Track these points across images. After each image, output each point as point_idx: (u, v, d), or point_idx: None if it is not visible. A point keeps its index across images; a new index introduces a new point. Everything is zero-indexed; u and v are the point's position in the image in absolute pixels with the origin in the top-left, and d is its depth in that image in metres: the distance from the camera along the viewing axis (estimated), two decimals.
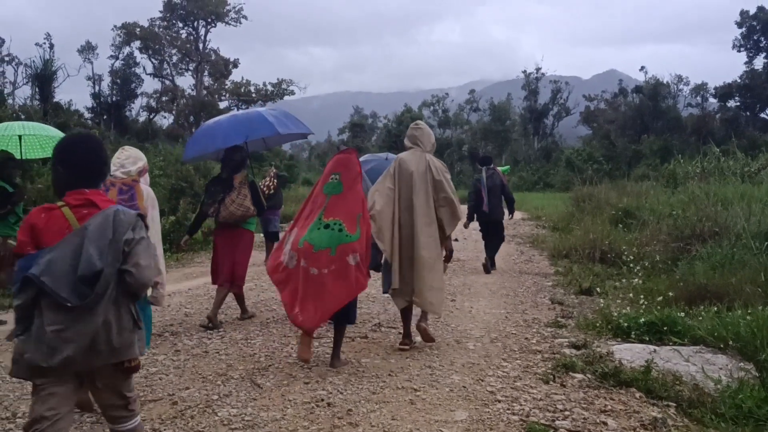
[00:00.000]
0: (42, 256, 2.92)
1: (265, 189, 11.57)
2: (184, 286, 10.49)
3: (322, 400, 4.81)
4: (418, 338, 6.54)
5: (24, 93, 47.52)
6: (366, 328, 7.21)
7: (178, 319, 7.87)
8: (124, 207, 3.17)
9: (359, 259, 5.39)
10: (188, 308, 8.57)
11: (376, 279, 6.81)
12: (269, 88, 51.89)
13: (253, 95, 51.97)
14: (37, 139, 9.16)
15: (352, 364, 5.75)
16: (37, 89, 37.07)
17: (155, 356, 6.12)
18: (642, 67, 62.55)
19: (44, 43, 46.36)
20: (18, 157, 8.28)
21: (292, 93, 53.11)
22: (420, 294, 6.10)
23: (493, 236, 11.68)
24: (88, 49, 51.51)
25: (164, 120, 54.46)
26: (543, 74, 65.97)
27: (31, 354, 2.91)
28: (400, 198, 6.14)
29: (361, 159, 6.80)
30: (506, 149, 64.89)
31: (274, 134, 7.77)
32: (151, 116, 53.10)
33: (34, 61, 38.38)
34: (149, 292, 4.68)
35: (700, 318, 6.64)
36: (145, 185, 5.09)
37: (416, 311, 6.45)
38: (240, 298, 7.87)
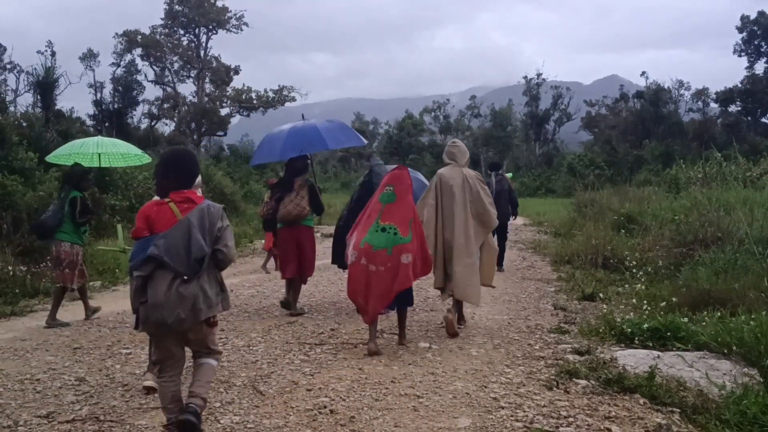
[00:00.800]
0: (157, 240, 3.90)
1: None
2: None
3: (325, 407, 4.79)
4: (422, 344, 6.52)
5: (26, 100, 47.61)
6: (368, 334, 7.18)
7: None
8: (211, 202, 4.16)
9: (411, 258, 6.27)
10: None
11: None
12: (271, 94, 51.95)
13: (255, 102, 52.03)
14: (112, 157, 9.79)
15: (354, 371, 5.73)
16: (38, 97, 37.08)
17: None
18: (643, 73, 62.46)
19: (46, 51, 46.41)
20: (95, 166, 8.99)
21: (294, 100, 53.20)
22: (462, 290, 7.09)
23: (500, 238, 12.12)
24: (89, 57, 51.60)
25: (166, 127, 54.58)
26: (544, 80, 66.00)
27: (154, 316, 3.88)
28: (442, 208, 7.15)
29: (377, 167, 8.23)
30: (507, 155, 64.90)
31: (325, 149, 8.75)
32: (153, 123, 53.21)
33: (35, 69, 38.40)
34: None
35: (704, 323, 6.62)
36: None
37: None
38: (297, 291, 8.61)
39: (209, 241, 3.97)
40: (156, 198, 4.30)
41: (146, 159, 9.88)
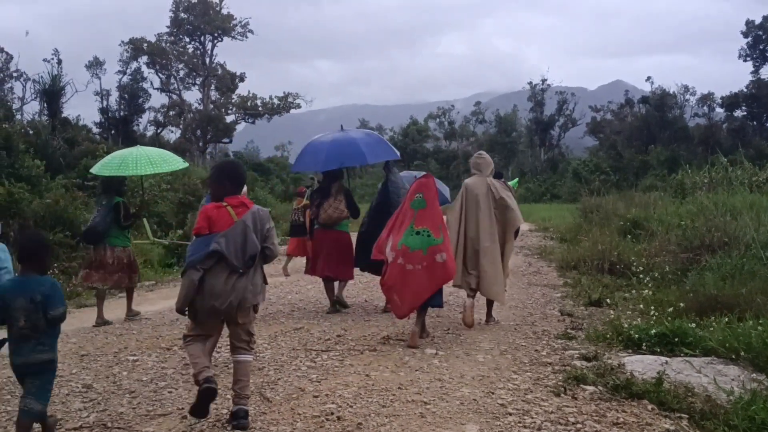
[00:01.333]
0: (218, 237, 4.49)
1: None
2: None
3: (332, 413, 4.78)
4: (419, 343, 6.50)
5: (32, 108, 47.77)
6: (375, 341, 7.18)
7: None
8: (259, 206, 4.77)
9: (445, 257, 6.87)
10: None
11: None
12: (276, 101, 52.08)
13: (260, 109, 52.18)
14: (154, 164, 9.79)
15: (361, 378, 5.73)
16: (45, 105, 37.23)
17: (164, 370, 6.12)
18: (648, 78, 62.47)
19: (52, 59, 46.57)
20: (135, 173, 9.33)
21: (299, 106, 53.35)
22: (488, 288, 7.77)
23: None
24: (95, 65, 51.80)
25: (171, 134, 54.73)
26: (549, 85, 66.02)
27: (209, 303, 4.50)
28: (467, 214, 7.82)
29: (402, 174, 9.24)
30: (513, 161, 64.91)
31: (364, 164, 9.62)
32: (159, 130, 53.36)
33: (42, 77, 38.58)
34: None
35: (711, 329, 6.60)
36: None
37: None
38: (341, 288, 9.28)
39: (260, 239, 4.62)
40: (204, 202, 5.12)
41: (185, 164, 10.23)
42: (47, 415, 4.28)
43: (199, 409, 4.51)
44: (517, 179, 16.12)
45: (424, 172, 8.04)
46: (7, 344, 4.19)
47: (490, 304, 8.19)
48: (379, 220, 8.08)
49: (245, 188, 5.25)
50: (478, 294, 7.89)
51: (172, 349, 6.95)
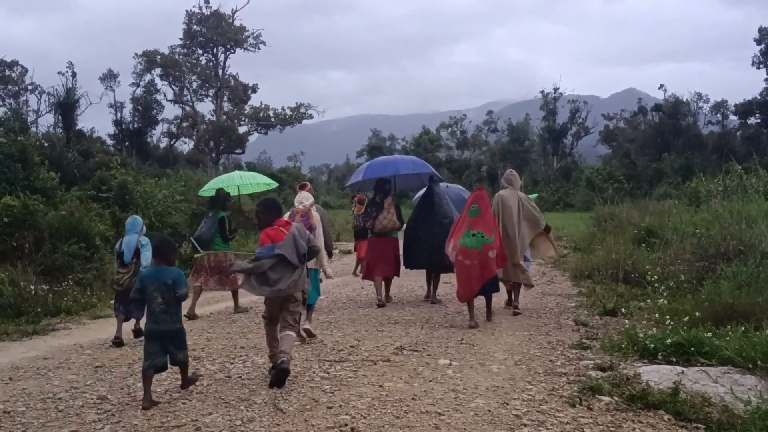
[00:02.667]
0: (278, 246, 6.10)
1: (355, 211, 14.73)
2: (206, 310, 10.52)
3: (346, 425, 4.77)
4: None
5: (47, 121, 48.14)
6: (388, 351, 7.16)
7: (200, 343, 7.87)
8: (299, 224, 6.62)
9: (496, 254, 8.56)
10: (210, 333, 8.58)
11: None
12: (288, 112, 52.26)
13: (272, 120, 52.37)
14: (250, 186, 11.91)
15: (375, 388, 5.71)
16: (60, 117, 37.49)
17: (178, 381, 6.12)
18: (661, 86, 62.33)
19: (67, 72, 46.99)
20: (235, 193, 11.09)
21: (311, 117, 53.51)
22: (518, 276, 9.54)
23: None
24: (109, 77, 52.17)
25: (185, 145, 55.02)
26: (561, 94, 65.89)
27: (276, 287, 6.09)
28: (504, 220, 9.47)
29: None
30: (525, 169, 64.75)
31: (411, 172, 11.57)
32: (172, 142, 53.66)
33: (56, 90, 38.86)
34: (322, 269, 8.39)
35: (728, 338, 6.54)
36: (314, 210, 8.25)
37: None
38: (387, 288, 10.97)
39: (305, 244, 6.25)
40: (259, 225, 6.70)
41: (275, 184, 12.22)
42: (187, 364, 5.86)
43: (278, 382, 5.85)
44: (536, 195, 16.54)
45: (457, 185, 11.24)
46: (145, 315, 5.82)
47: (517, 294, 9.86)
48: (421, 224, 10.45)
49: (312, 200, 8.27)
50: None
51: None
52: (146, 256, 7.88)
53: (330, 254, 9.18)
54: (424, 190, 11.32)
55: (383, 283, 10.73)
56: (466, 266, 8.55)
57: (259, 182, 11.71)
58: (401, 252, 10.84)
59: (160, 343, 5.60)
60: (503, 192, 9.71)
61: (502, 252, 8.74)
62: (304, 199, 8.29)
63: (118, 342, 7.97)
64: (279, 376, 5.83)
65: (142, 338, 6.45)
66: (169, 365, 5.69)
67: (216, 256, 10.16)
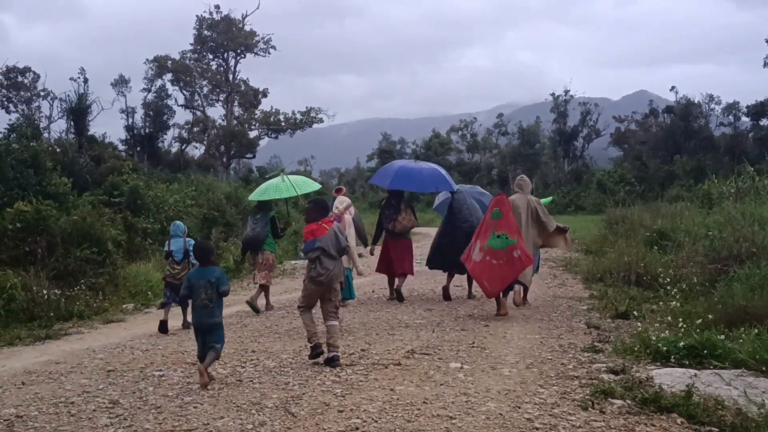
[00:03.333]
0: (320, 240, 6.88)
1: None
2: None
3: (357, 429, 4.77)
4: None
5: (59, 127, 48.55)
6: (399, 355, 7.15)
7: None
8: (340, 224, 7.57)
9: (519, 253, 9.29)
10: None
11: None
12: (298, 116, 52.33)
13: (283, 124, 52.45)
14: (297, 187, 11.87)
15: (386, 392, 5.70)
16: (72, 123, 37.68)
17: (189, 386, 6.14)
18: (672, 87, 61.89)
19: (78, 78, 47.20)
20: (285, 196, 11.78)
21: (321, 121, 53.52)
22: (523, 276, 9.79)
23: None
24: (121, 83, 52.39)
25: (195, 150, 55.12)
26: (572, 96, 65.60)
27: (319, 278, 6.85)
28: None
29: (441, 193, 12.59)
30: (536, 172, 64.56)
31: (433, 191, 13.18)
32: (183, 147, 53.79)
33: (68, 96, 39.09)
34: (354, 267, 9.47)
35: (741, 340, 6.50)
36: (348, 214, 9.61)
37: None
38: (401, 282, 11.53)
39: (344, 240, 7.13)
40: (307, 222, 7.30)
41: (319, 186, 12.82)
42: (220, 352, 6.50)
43: (314, 356, 6.93)
44: (551, 198, 16.81)
45: (478, 187, 12.53)
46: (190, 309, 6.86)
47: (526, 290, 10.56)
48: (447, 231, 11.44)
49: (348, 201, 10.00)
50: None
51: (197, 364, 6.97)
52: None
53: (365, 244, 11.63)
54: (446, 198, 12.13)
55: (400, 279, 11.49)
56: (493, 265, 9.32)
57: (305, 183, 12.20)
58: (415, 253, 11.89)
59: (202, 335, 6.38)
60: (514, 196, 10.30)
61: (525, 251, 9.39)
62: (339, 203, 9.78)
63: (163, 326, 9.06)
64: (332, 363, 6.75)
65: (190, 329, 8.07)
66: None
67: (263, 254, 10.97)
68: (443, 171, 12.27)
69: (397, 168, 12.09)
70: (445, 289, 11.39)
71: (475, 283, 10.77)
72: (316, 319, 7.18)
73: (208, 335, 6.33)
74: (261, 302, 10.76)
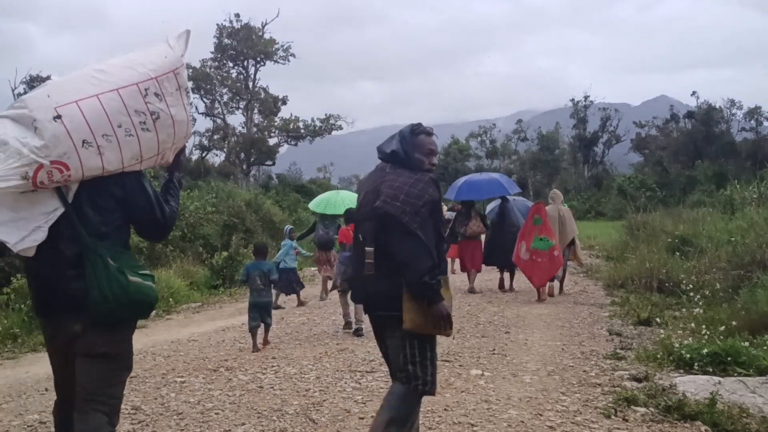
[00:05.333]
0: (347, 249, 8.76)
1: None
2: (237, 321, 10.56)
3: None
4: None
5: None
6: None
7: (232, 354, 7.92)
8: None
9: (558, 253, 11.51)
10: (242, 343, 8.62)
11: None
12: (318, 123, 52.49)
13: (302, 131, 52.63)
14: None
15: None
16: None
17: (211, 392, 6.16)
18: (693, 92, 61.27)
19: None
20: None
21: (340, 128, 53.61)
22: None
23: None
24: None
25: (216, 158, 55.43)
26: (591, 102, 65.35)
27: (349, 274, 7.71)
28: None
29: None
30: (556, 178, 64.31)
31: (491, 196, 14.97)
32: (204, 154, 54.13)
33: None
34: None
35: (765, 347, 6.44)
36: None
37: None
38: (472, 279, 13.47)
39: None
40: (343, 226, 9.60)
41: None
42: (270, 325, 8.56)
43: (346, 327, 9.22)
44: (566, 205, 17.37)
45: (523, 198, 16.05)
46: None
47: (561, 282, 12.69)
48: (497, 233, 13.16)
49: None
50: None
51: (219, 371, 7.01)
52: (280, 253, 12.43)
53: None
54: (496, 205, 14.31)
55: (472, 274, 13.44)
56: (538, 263, 11.43)
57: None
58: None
59: (258, 310, 8.22)
60: (547, 207, 12.30)
61: (560, 252, 11.64)
62: None
63: (277, 307, 11.24)
64: (358, 333, 8.81)
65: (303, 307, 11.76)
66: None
67: (332, 253, 12.61)
68: (502, 179, 14.20)
69: (462, 182, 14.07)
70: (501, 281, 13.69)
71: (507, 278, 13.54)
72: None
73: (264, 310, 8.28)
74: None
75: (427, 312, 3.63)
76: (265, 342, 8.37)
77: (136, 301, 3.21)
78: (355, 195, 13.37)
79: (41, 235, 3.06)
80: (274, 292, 10.37)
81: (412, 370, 3.69)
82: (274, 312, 9.37)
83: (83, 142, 3.00)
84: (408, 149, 3.88)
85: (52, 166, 2.95)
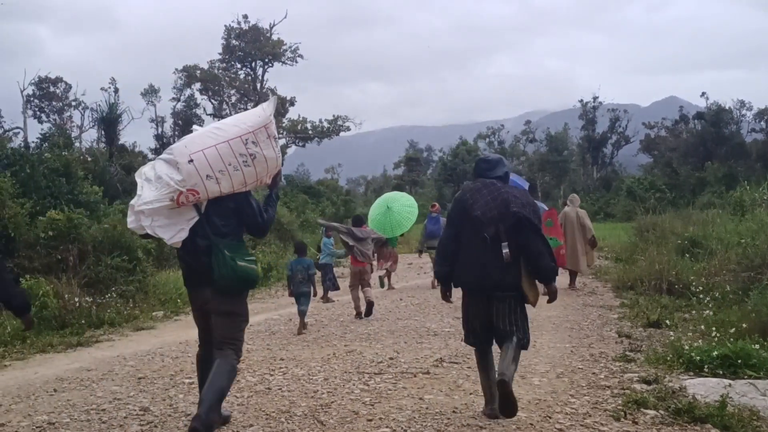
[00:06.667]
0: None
1: None
2: None
3: None
4: None
5: (90, 136, 49.19)
6: (428, 363, 7.12)
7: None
8: (370, 229, 12.19)
9: (564, 251, 12.63)
10: (250, 344, 8.62)
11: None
12: (325, 124, 52.55)
13: (310, 132, 52.70)
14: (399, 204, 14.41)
15: (415, 401, 5.67)
16: (102, 132, 38.26)
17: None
18: (703, 93, 60.97)
19: (109, 88, 47.94)
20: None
21: (348, 129, 53.67)
22: (576, 266, 13.49)
23: None
24: (151, 92, 53.12)
25: None
26: (600, 103, 65.17)
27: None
28: (566, 230, 13.31)
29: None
30: (564, 180, 64.18)
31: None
32: None
33: (99, 105, 39.71)
34: None
35: None
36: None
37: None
38: None
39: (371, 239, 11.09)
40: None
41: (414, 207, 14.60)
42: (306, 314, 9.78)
43: (357, 316, 10.66)
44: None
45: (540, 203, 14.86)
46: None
47: (574, 276, 13.76)
48: None
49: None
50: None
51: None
52: (324, 250, 13.62)
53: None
54: None
55: None
56: None
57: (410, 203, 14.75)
58: None
59: (298, 299, 9.65)
60: (566, 209, 13.82)
61: (565, 252, 12.85)
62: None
63: (326, 300, 12.83)
64: (369, 309, 10.65)
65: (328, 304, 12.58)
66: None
67: (388, 249, 14.75)
68: (516, 178, 15.06)
69: None
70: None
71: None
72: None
73: (304, 298, 9.65)
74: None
75: (536, 290, 5.14)
76: (301, 328, 9.58)
77: (243, 278, 4.72)
78: (404, 209, 14.38)
79: (184, 234, 4.72)
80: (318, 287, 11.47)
81: (517, 330, 5.05)
82: (324, 305, 12.26)
83: (207, 176, 4.61)
84: (508, 172, 5.50)
85: (188, 192, 4.61)
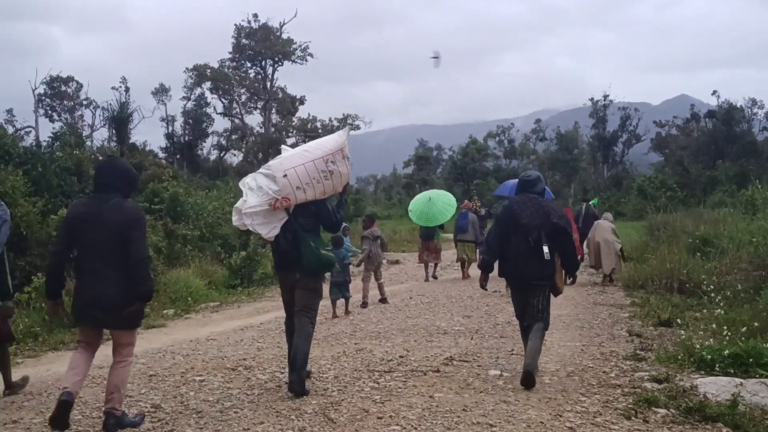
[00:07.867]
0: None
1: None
2: (255, 320, 10.61)
3: None
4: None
5: (101, 135, 49.43)
6: (438, 362, 7.12)
7: (251, 353, 7.94)
8: (376, 229, 13.10)
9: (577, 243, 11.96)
10: (261, 342, 8.65)
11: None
12: (335, 123, 52.60)
13: (320, 131, 52.76)
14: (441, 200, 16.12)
15: (425, 399, 5.68)
16: (113, 131, 38.40)
17: (229, 391, 6.18)
18: (714, 92, 60.64)
19: (120, 87, 48.16)
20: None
21: (358, 128, 53.70)
22: (607, 267, 14.20)
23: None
24: (161, 92, 53.29)
25: (234, 158, 55.80)
26: (611, 101, 64.89)
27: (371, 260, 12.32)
28: (596, 237, 14.41)
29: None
30: (575, 178, 64.01)
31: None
32: (222, 154, 54.49)
33: (110, 104, 39.88)
34: None
35: None
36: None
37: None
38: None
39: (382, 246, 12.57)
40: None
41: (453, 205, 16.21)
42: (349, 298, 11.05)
43: (363, 306, 11.66)
44: (596, 199, 18.56)
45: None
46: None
47: (606, 276, 14.45)
48: None
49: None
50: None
51: (237, 370, 7.03)
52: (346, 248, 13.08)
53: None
54: None
55: None
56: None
57: (448, 200, 16.03)
58: None
59: (337, 287, 10.65)
60: (600, 221, 15.10)
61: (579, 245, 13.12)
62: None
63: (364, 305, 12.04)
64: (383, 300, 12.15)
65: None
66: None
67: (433, 242, 15.88)
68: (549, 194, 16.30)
69: (512, 184, 14.99)
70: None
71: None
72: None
73: (343, 287, 10.71)
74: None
75: (563, 281, 6.81)
76: (347, 311, 10.85)
77: (323, 264, 6.04)
78: (444, 201, 15.88)
79: (277, 231, 6.02)
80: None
81: (542, 314, 6.35)
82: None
83: (296, 187, 5.86)
84: (545, 188, 6.98)
85: (282, 199, 5.89)
